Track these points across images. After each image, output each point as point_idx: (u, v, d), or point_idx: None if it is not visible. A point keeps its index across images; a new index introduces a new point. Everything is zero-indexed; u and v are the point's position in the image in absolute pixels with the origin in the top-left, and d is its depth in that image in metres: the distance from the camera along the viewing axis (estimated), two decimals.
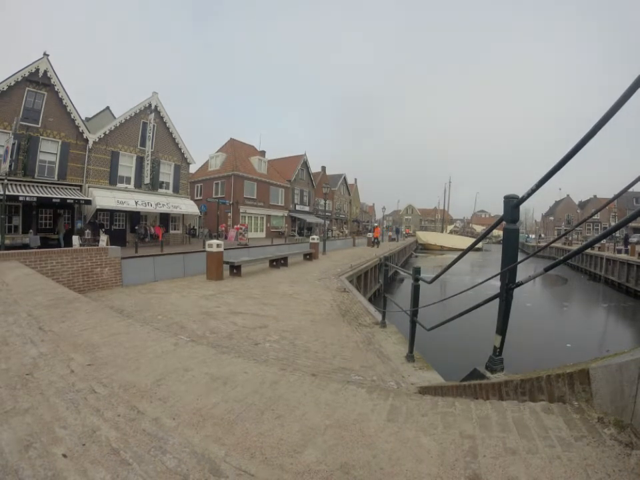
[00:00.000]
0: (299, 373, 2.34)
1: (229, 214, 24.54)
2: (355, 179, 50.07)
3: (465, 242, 39.95)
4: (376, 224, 43.99)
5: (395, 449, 1.22)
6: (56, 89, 14.10)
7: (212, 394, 1.76)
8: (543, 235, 53.93)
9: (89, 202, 14.33)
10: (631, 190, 2.38)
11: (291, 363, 3.32)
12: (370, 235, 26.52)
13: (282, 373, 2.08)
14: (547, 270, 1.71)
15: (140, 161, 17.33)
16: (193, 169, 24.23)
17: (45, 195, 13.00)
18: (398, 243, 28.82)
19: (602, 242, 20.56)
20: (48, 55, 13.76)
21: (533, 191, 1.75)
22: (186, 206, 18.89)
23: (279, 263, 11.17)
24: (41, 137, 13.80)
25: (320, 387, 1.86)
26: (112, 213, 16.32)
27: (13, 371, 1.95)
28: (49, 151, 14.11)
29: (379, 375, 3.14)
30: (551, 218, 58.95)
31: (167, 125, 18.84)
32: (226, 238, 20.16)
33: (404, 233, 49.34)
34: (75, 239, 11.83)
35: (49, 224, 14.78)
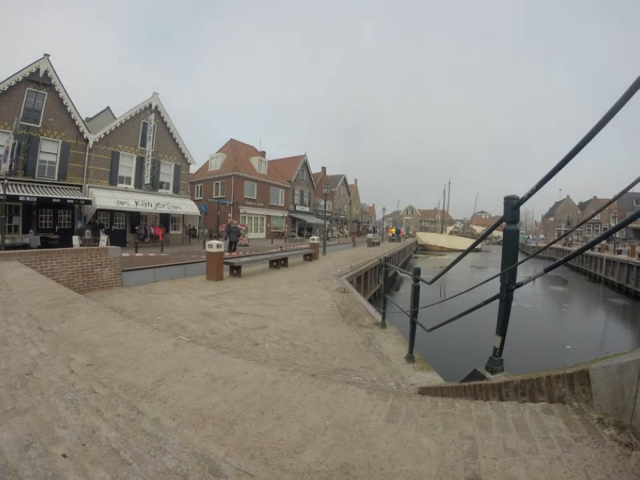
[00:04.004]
0: (299, 373, 2.33)
1: (229, 214, 24.55)
2: (355, 180, 50.16)
3: (465, 243, 39.94)
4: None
5: (395, 450, 1.22)
6: (56, 89, 14.12)
7: (212, 394, 1.75)
8: (542, 236, 53.96)
9: (89, 202, 14.35)
10: (631, 191, 2.38)
11: (290, 364, 3.32)
12: (370, 235, 27.38)
13: (282, 374, 2.08)
14: (546, 271, 1.71)
15: (140, 161, 17.35)
16: (193, 169, 24.25)
17: (45, 195, 13.02)
18: (398, 244, 28.84)
19: (602, 243, 20.56)
20: (48, 55, 13.78)
21: (533, 191, 1.75)
22: (186, 206, 18.90)
23: (278, 263, 11.17)
24: (41, 137, 13.82)
25: (320, 387, 1.86)
26: (112, 213, 16.33)
27: (13, 371, 1.94)
28: (49, 151, 14.13)
29: (379, 376, 3.14)
30: (551, 219, 58.99)
31: (167, 125, 18.86)
32: (226, 238, 20.17)
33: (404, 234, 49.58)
34: (75, 239, 11.84)
35: (49, 224, 14.79)
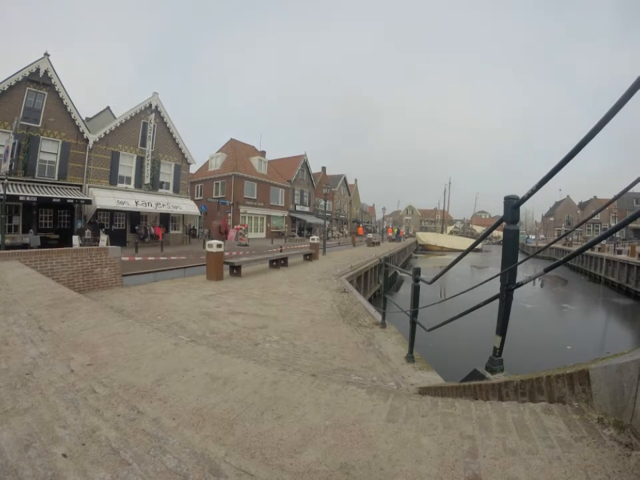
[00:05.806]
0: (299, 373, 2.34)
1: (229, 214, 24.55)
2: (355, 180, 50.16)
3: (465, 243, 39.91)
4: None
5: (395, 450, 1.22)
6: (56, 89, 14.12)
7: (212, 394, 1.76)
8: (543, 236, 53.97)
9: (89, 202, 14.35)
10: (630, 191, 2.38)
11: (290, 364, 3.32)
12: (370, 235, 27.37)
13: (282, 374, 2.08)
14: (546, 271, 1.71)
15: (140, 161, 17.35)
16: (193, 169, 24.25)
17: (45, 195, 13.02)
18: (398, 244, 28.82)
19: (602, 243, 20.54)
20: (49, 55, 13.77)
21: (533, 191, 1.74)
22: (186, 206, 18.90)
23: (279, 263, 11.16)
24: (42, 137, 13.82)
25: (320, 387, 1.86)
26: (112, 213, 16.34)
27: (13, 371, 1.94)
28: (49, 151, 14.13)
29: (379, 376, 3.14)
30: (551, 218, 58.97)
31: (167, 125, 18.85)
32: (226, 238, 20.18)
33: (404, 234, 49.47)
34: (75, 239, 11.83)
35: (49, 224, 14.80)
